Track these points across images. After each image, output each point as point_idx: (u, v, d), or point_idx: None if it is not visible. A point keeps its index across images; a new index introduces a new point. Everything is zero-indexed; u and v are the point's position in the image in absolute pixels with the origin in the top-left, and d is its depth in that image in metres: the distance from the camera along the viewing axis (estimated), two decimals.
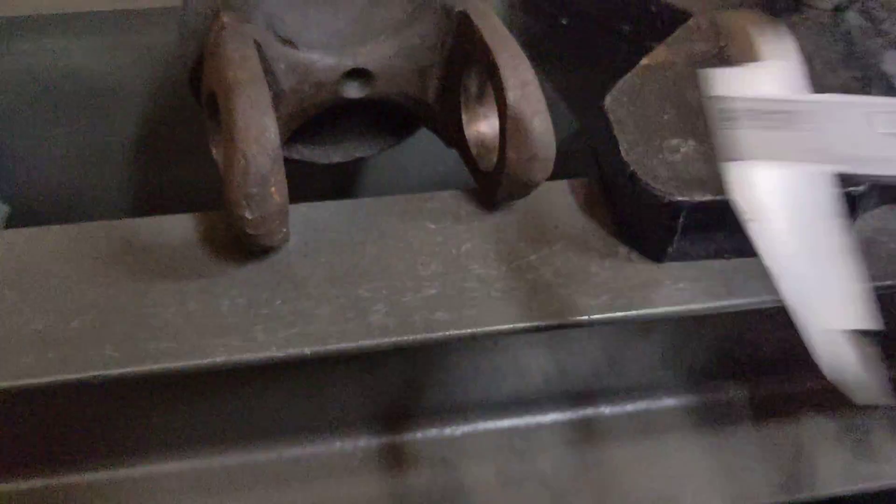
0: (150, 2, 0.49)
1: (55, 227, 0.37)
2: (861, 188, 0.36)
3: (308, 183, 0.41)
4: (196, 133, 0.54)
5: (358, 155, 0.45)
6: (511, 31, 0.52)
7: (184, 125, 0.54)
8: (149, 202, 0.57)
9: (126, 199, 0.57)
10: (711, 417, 0.43)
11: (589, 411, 0.43)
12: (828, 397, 0.43)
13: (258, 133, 0.32)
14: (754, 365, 0.44)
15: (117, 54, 0.50)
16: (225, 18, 0.36)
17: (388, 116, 0.45)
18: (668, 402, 0.44)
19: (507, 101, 0.35)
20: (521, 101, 0.35)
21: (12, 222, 0.55)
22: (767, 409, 0.44)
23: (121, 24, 0.50)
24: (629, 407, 0.43)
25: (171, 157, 0.55)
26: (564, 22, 0.50)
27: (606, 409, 0.43)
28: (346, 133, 0.45)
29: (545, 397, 0.43)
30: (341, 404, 0.39)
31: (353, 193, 0.60)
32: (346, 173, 0.58)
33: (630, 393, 0.43)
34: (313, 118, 0.42)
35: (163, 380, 0.33)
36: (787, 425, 0.43)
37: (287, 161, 0.42)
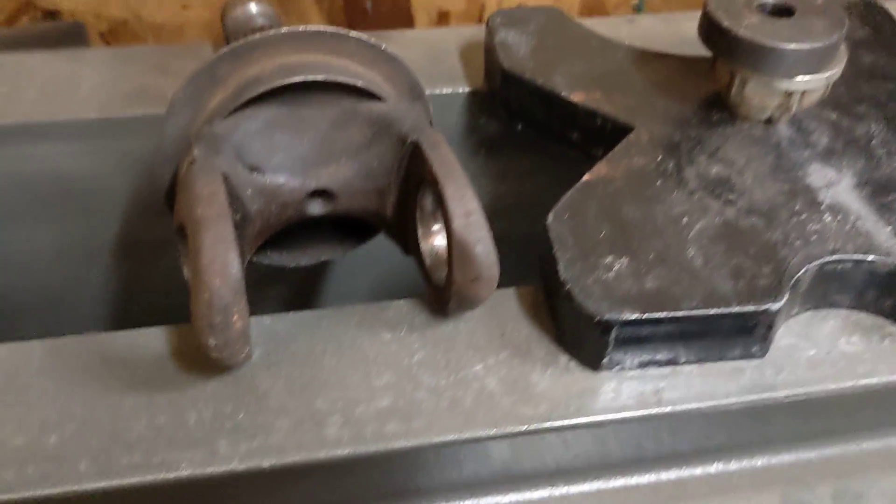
0: (132, 111, 0.53)
1: (35, 342, 0.40)
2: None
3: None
4: (170, 230, 0.58)
5: (324, 258, 0.49)
6: (470, 135, 0.56)
7: (162, 225, 0.57)
8: (128, 298, 0.60)
9: (106, 294, 0.60)
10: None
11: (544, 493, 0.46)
12: None
13: (221, 268, 0.35)
14: None
15: (100, 159, 0.54)
16: (196, 152, 0.39)
17: (351, 223, 0.48)
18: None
19: (453, 229, 0.38)
20: (466, 229, 0.38)
21: None
22: None
23: (104, 131, 0.53)
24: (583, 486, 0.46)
25: (149, 254, 0.58)
26: (519, 128, 0.54)
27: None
28: (312, 238, 0.48)
29: (504, 479, 0.45)
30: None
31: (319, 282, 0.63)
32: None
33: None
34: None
35: (133, 494, 0.36)
36: None
37: (257, 265, 0.46)
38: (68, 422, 0.37)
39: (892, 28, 0.58)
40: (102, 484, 0.35)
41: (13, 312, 0.59)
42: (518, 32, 0.55)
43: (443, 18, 1.03)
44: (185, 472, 0.35)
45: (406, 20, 1.02)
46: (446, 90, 0.56)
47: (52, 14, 0.96)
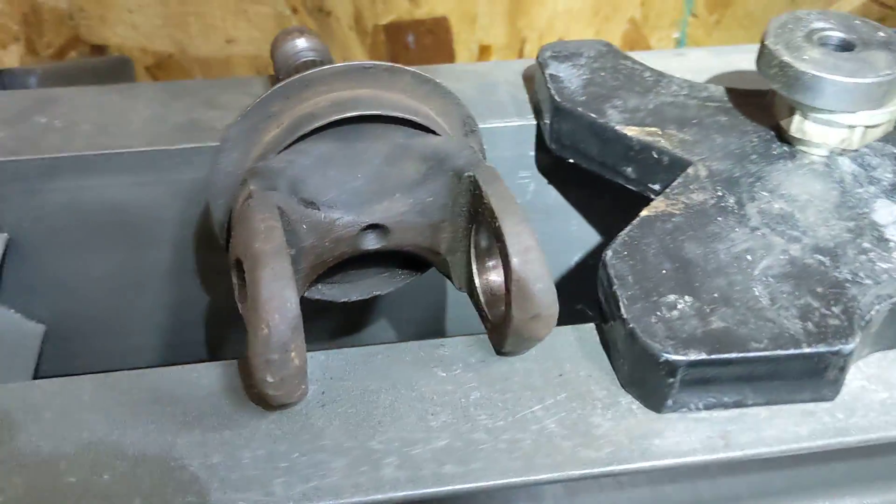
0: (182, 143, 0.53)
1: (86, 378, 0.40)
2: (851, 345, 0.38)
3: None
4: (220, 259, 0.58)
5: (375, 293, 0.48)
6: (518, 169, 0.55)
7: (212, 253, 0.57)
8: (178, 327, 0.60)
9: (156, 322, 0.60)
10: None
11: None
12: None
13: (280, 304, 0.34)
14: None
15: (151, 190, 0.54)
16: (252, 187, 0.39)
17: (402, 257, 0.47)
18: None
19: (512, 266, 0.37)
20: (524, 266, 0.37)
21: (46, 342, 0.58)
22: None
23: (155, 163, 0.53)
24: None
25: (198, 281, 0.58)
26: (570, 161, 0.53)
27: None
28: (363, 272, 0.48)
29: None
30: None
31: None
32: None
33: None
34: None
35: None
36: None
37: (308, 300, 0.45)
38: (121, 460, 0.36)
39: None
40: None
41: (66, 338, 0.59)
42: (569, 66, 0.55)
43: (484, 52, 1.03)
44: None
45: (448, 55, 1.02)
46: (496, 123, 0.56)
47: (99, 48, 0.97)
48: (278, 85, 0.41)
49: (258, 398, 0.39)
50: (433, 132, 0.43)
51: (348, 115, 0.40)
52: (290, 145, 0.41)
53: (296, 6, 0.97)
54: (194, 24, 0.97)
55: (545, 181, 0.60)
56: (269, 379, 0.35)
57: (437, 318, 0.64)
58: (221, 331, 0.62)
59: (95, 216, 0.55)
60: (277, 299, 0.34)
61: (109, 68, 0.96)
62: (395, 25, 1.00)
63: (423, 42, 1.00)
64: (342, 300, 0.47)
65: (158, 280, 0.58)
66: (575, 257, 0.63)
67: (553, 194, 0.60)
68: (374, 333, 0.65)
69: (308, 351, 0.39)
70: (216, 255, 0.58)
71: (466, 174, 0.41)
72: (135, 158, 0.53)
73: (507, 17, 1.01)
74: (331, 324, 0.62)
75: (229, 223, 0.44)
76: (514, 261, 0.37)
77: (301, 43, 0.54)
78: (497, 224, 0.38)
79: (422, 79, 0.43)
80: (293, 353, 0.35)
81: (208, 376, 0.40)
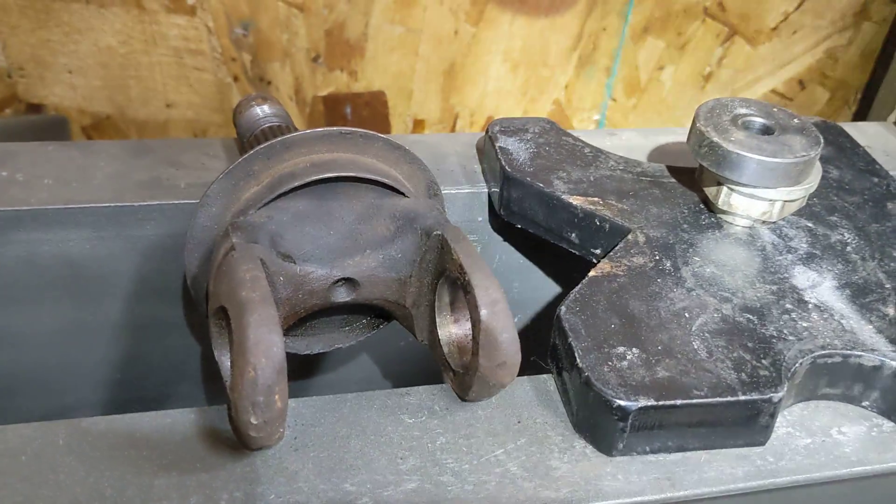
0: (143, 199, 0.54)
1: (59, 423, 0.40)
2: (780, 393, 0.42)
3: None
4: (173, 316, 0.59)
5: (337, 346, 0.50)
6: (469, 233, 0.59)
7: (165, 308, 0.58)
8: (124, 381, 0.60)
9: (103, 376, 0.60)
10: None
11: None
12: None
13: (267, 348, 0.36)
14: None
15: (110, 244, 0.55)
16: (235, 239, 0.41)
17: (366, 311, 0.50)
18: None
19: (480, 317, 0.40)
20: (492, 318, 0.40)
21: None
22: None
23: (118, 218, 0.54)
24: None
25: (151, 336, 0.59)
26: (519, 226, 0.57)
27: None
28: (326, 325, 0.50)
29: None
30: None
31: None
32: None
33: None
34: None
35: None
36: None
37: None
38: (99, 501, 0.37)
39: (852, 146, 0.63)
40: None
41: (9, 390, 0.59)
42: (516, 139, 0.59)
43: (418, 126, 1.08)
44: None
45: (383, 126, 1.06)
46: (449, 190, 0.59)
47: (35, 107, 0.97)
48: (261, 146, 0.44)
49: (233, 443, 0.40)
50: (403, 194, 0.46)
51: (327, 175, 0.43)
52: (270, 202, 0.43)
53: (237, 74, 1.00)
54: (134, 88, 0.98)
55: (491, 245, 0.63)
56: (254, 421, 0.36)
57: (385, 370, 0.67)
58: (169, 388, 0.62)
59: (51, 270, 0.55)
60: (265, 343, 0.36)
61: (45, 127, 0.96)
62: (334, 97, 1.04)
63: (361, 114, 1.05)
64: (305, 353, 0.49)
65: (108, 334, 0.58)
66: (518, 313, 0.67)
67: (497, 257, 0.64)
68: (323, 383, 0.66)
69: None
70: (171, 309, 0.59)
71: (435, 233, 0.44)
72: (97, 213, 0.54)
73: (440, 94, 1.06)
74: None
75: (201, 276, 0.45)
76: (483, 312, 0.40)
77: (265, 109, 0.56)
78: (467, 278, 0.41)
79: (392, 145, 0.47)
80: (277, 396, 0.37)
81: (183, 422, 0.41)
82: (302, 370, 0.64)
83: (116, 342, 0.59)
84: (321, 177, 0.43)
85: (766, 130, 0.52)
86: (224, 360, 0.41)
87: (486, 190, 0.61)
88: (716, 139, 0.50)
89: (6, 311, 0.56)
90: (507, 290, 0.65)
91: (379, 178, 0.45)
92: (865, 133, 0.73)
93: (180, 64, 0.98)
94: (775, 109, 0.54)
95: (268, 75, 1.01)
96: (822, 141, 0.51)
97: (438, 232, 0.44)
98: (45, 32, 0.93)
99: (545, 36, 1.05)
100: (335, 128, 0.45)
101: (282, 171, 0.44)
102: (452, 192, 0.60)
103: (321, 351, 0.50)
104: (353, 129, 0.45)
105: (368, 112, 1.05)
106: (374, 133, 0.46)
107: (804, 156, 0.50)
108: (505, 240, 0.63)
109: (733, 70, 1.13)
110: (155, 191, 0.56)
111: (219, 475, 0.39)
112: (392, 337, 0.57)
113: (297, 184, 0.43)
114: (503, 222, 0.60)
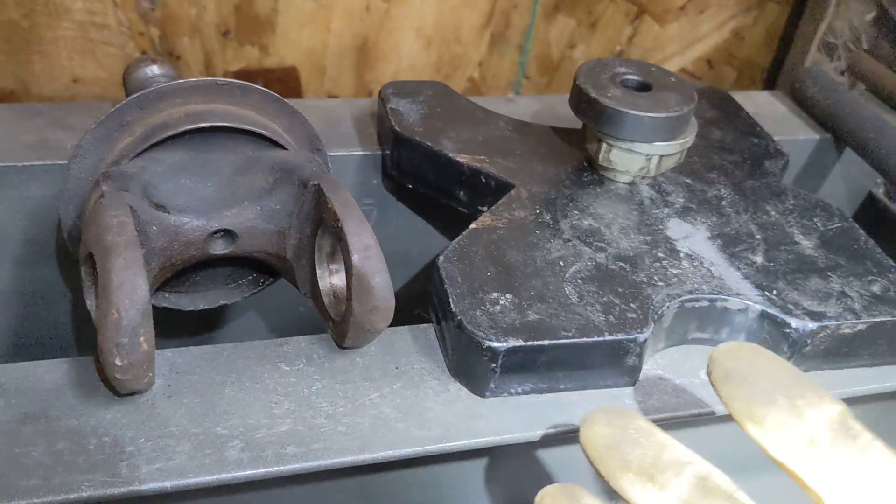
0: (27, 160, 0.54)
1: None
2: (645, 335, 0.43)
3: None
4: (65, 279, 0.58)
5: (222, 302, 0.50)
6: (363, 195, 0.59)
7: (54, 271, 0.57)
8: (21, 344, 0.59)
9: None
10: None
11: None
12: None
13: (130, 290, 0.36)
14: None
15: None
16: (104, 187, 0.41)
17: (250, 267, 0.50)
18: None
19: (353, 262, 0.41)
20: (364, 262, 0.41)
21: None
22: None
23: (2, 179, 0.53)
24: None
25: (41, 301, 0.58)
26: (410, 186, 0.58)
27: None
28: (211, 282, 0.50)
29: None
30: None
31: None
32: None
33: None
34: (181, 269, 0.47)
35: None
36: None
37: (156, 308, 0.47)
38: None
39: (736, 109, 0.66)
40: None
41: None
42: (409, 102, 0.60)
43: None
44: (86, 492, 0.36)
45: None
46: (341, 152, 0.60)
47: None
48: (133, 96, 0.44)
49: (104, 392, 0.40)
50: (282, 146, 0.46)
51: (200, 125, 0.43)
52: (142, 152, 0.43)
53: (145, 49, 0.98)
54: (39, 63, 0.96)
55: (387, 208, 0.64)
56: (118, 363, 0.36)
57: (290, 329, 0.67)
58: (66, 353, 0.62)
59: None
60: (128, 286, 0.36)
61: None
62: (245, 73, 1.03)
63: (273, 89, 1.04)
64: (189, 308, 0.49)
65: None
66: (413, 273, 0.67)
67: (395, 220, 0.65)
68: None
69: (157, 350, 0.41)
70: (64, 272, 0.58)
71: (312, 182, 0.44)
72: None
73: (354, 71, 1.06)
74: (183, 335, 0.63)
75: (75, 229, 0.45)
76: (355, 257, 0.41)
77: (155, 69, 0.56)
78: (340, 225, 0.41)
79: (271, 97, 0.47)
80: (142, 339, 0.37)
81: (53, 371, 0.41)
82: (201, 329, 0.64)
83: (5, 308, 0.58)
84: (193, 126, 0.43)
85: (643, 87, 0.54)
86: (94, 307, 0.41)
87: (381, 153, 0.61)
88: (594, 95, 0.52)
89: None
90: (404, 252, 0.66)
91: (255, 129, 0.45)
92: (755, 101, 0.75)
93: (86, 38, 0.96)
94: (653, 69, 0.55)
95: (177, 50, 0.99)
96: (695, 97, 0.53)
97: (315, 182, 0.44)
98: None
99: (457, 13, 1.06)
100: (210, 78, 0.45)
101: (155, 122, 0.44)
102: (346, 154, 0.60)
103: (206, 307, 0.50)
104: (230, 80, 0.45)
105: (280, 88, 1.04)
106: (252, 84, 0.46)
107: (678, 111, 0.51)
108: (400, 200, 0.64)
109: (643, 49, 1.16)
110: (42, 151, 0.55)
111: (88, 422, 0.39)
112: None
113: (169, 133, 0.43)
114: (398, 185, 0.60)
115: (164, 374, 0.42)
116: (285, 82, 1.06)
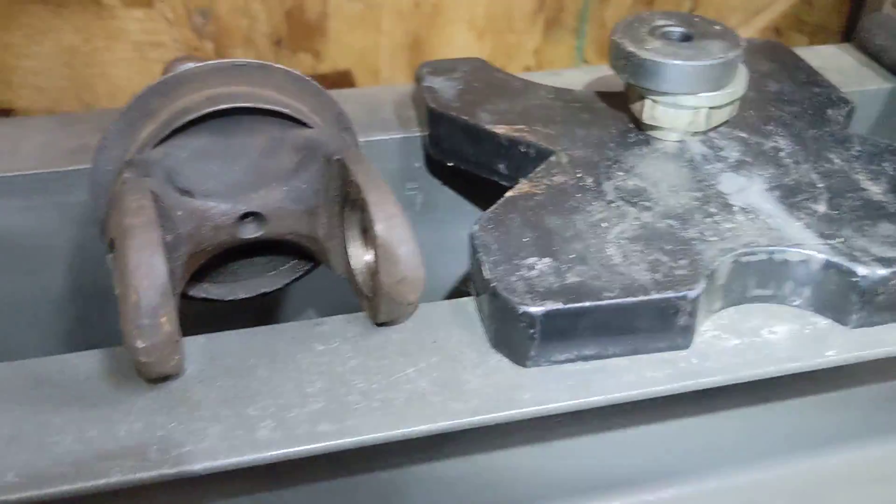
0: (70, 164, 0.54)
1: None
2: None
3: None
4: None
5: (262, 291, 0.49)
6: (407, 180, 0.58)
7: (106, 274, 0.58)
8: (75, 348, 0.60)
9: (48, 347, 0.59)
10: None
11: None
12: None
13: (148, 271, 0.36)
14: None
15: (41, 214, 0.55)
16: (126, 174, 0.40)
17: (287, 254, 0.49)
18: None
19: (376, 232, 0.39)
20: (389, 231, 0.39)
21: None
22: None
23: (46, 185, 0.54)
24: None
25: (91, 307, 0.59)
26: (450, 164, 0.56)
27: None
28: (249, 271, 0.49)
29: None
30: None
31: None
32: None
33: None
34: (221, 258, 0.46)
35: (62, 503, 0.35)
36: None
37: (195, 299, 0.47)
38: None
39: (795, 61, 0.62)
40: (28, 493, 0.34)
41: None
42: (444, 79, 0.58)
43: None
44: (114, 478, 0.35)
45: None
46: (380, 136, 0.59)
47: (5, 112, 0.98)
48: (153, 82, 0.43)
49: (136, 380, 0.39)
50: (306, 125, 0.45)
51: (220, 107, 0.43)
52: (165, 139, 0.43)
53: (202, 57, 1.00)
54: (100, 85, 0.99)
55: (432, 193, 0.62)
56: (140, 344, 0.36)
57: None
58: None
59: None
60: (145, 266, 0.36)
61: None
62: None
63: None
64: (228, 298, 0.49)
65: (50, 307, 0.58)
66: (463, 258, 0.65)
67: (441, 204, 0.63)
68: None
69: (190, 336, 0.41)
70: (107, 278, 0.59)
71: (336, 157, 0.43)
72: (25, 182, 0.54)
73: (408, 69, 1.06)
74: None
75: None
76: (378, 227, 0.39)
77: (190, 66, 0.56)
78: (362, 196, 0.40)
79: (294, 77, 0.46)
80: (163, 319, 0.36)
81: (88, 362, 0.41)
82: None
83: (59, 314, 0.59)
84: (215, 108, 0.42)
85: (685, 38, 0.51)
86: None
87: (421, 134, 0.60)
88: (631, 48, 0.49)
89: None
90: (453, 235, 0.64)
91: (277, 108, 0.44)
92: (820, 54, 0.71)
93: (143, 58, 0.98)
94: (696, 19, 0.52)
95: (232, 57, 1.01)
96: (742, 43, 0.50)
97: (338, 157, 0.43)
98: (6, 36, 0.93)
99: (507, 0, 1.04)
100: (230, 59, 0.45)
101: (177, 107, 0.43)
102: (385, 138, 0.59)
103: (245, 296, 0.49)
104: (249, 60, 0.45)
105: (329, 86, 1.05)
106: (272, 64, 0.45)
107: (722, 58, 0.48)
108: (445, 184, 0.62)
109: None
110: (83, 156, 0.55)
111: (119, 408, 0.38)
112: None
113: (190, 117, 0.42)
114: (440, 166, 0.59)
115: (197, 360, 0.41)
116: (341, 86, 1.06)
